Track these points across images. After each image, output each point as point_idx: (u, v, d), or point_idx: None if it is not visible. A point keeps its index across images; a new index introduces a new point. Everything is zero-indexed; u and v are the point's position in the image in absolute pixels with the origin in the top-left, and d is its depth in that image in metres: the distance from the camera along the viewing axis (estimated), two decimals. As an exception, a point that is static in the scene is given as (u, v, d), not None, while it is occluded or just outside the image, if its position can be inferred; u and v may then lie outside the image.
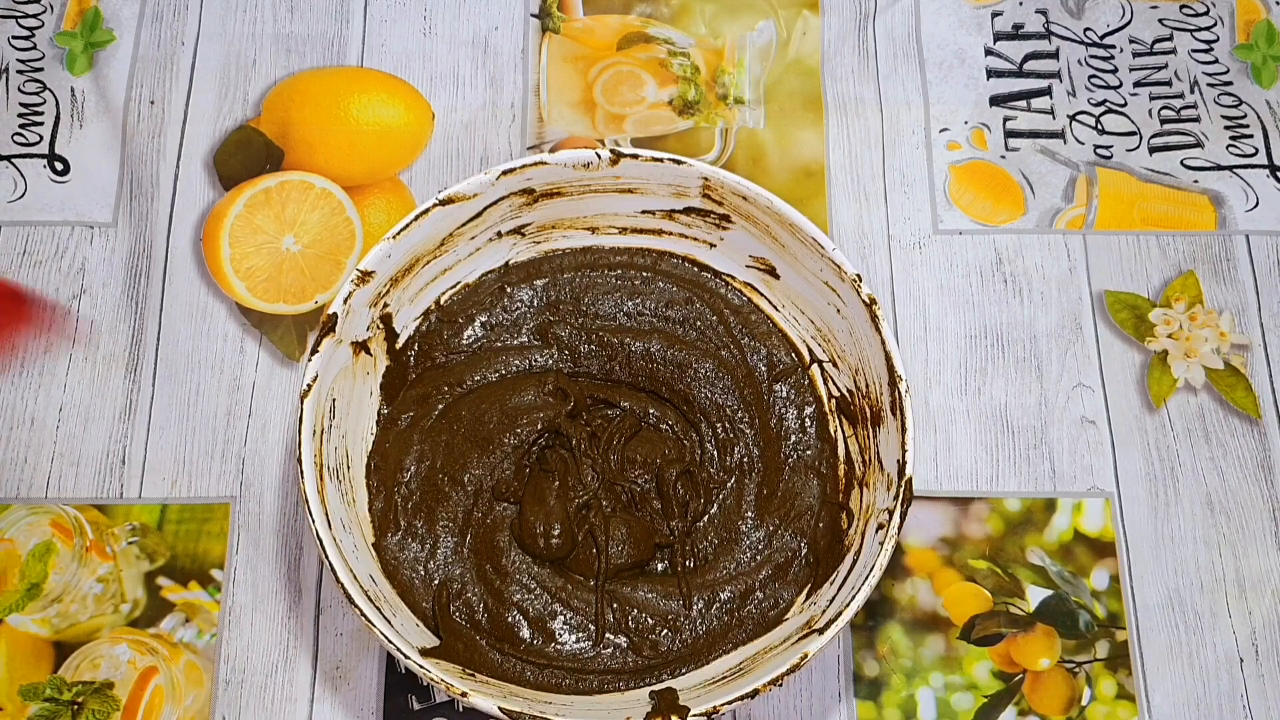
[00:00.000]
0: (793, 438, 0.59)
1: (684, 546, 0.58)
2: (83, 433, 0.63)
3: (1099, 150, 0.71)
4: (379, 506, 0.57)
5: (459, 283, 0.61)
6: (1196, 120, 0.71)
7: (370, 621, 0.50)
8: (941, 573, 0.62)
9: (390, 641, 0.49)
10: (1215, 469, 0.64)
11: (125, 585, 0.61)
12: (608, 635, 0.56)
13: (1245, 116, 0.71)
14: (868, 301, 0.55)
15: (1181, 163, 0.70)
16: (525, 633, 0.55)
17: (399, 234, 0.56)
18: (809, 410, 0.60)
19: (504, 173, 0.57)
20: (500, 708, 0.48)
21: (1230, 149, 0.71)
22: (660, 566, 0.58)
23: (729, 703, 0.49)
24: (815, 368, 0.60)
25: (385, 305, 0.58)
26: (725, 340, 0.61)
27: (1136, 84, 0.72)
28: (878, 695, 0.60)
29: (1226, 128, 0.71)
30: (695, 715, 0.49)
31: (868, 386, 0.57)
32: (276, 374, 0.65)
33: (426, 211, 0.56)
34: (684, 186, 0.58)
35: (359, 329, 0.57)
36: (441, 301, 0.61)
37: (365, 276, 0.55)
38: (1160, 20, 0.74)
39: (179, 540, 0.62)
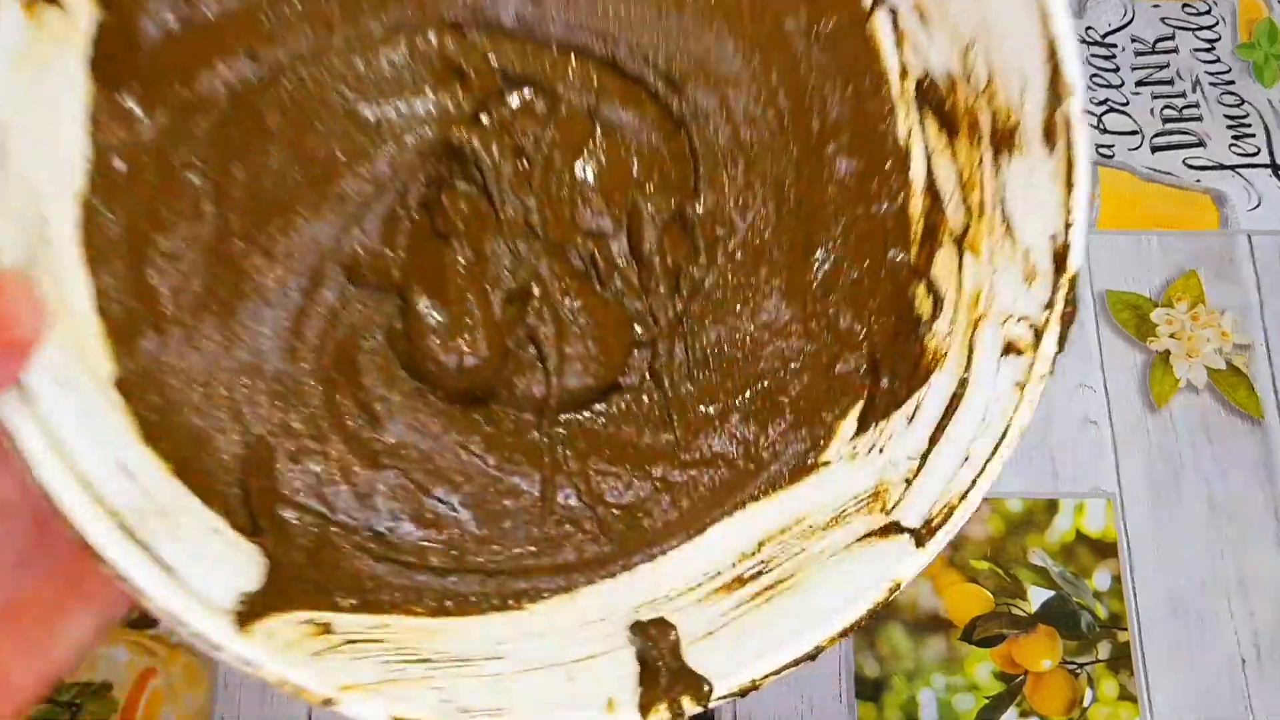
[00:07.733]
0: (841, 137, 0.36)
1: (672, 344, 0.36)
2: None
3: (1101, 149, 0.71)
4: (119, 303, 0.30)
5: None
6: (1199, 119, 0.71)
7: (117, 569, 0.28)
8: (943, 574, 0.62)
9: (160, 603, 0.29)
10: (1218, 469, 0.64)
11: (123, 586, 0.60)
12: (559, 506, 0.35)
13: (1247, 115, 0.71)
14: None
15: (1183, 162, 0.70)
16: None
17: None
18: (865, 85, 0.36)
19: None
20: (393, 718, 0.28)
21: (1232, 148, 0.70)
22: (632, 379, 0.36)
23: (776, 672, 0.30)
24: (882, 14, 0.36)
25: None
26: None
27: (1138, 83, 0.72)
28: (879, 696, 0.60)
29: (1229, 127, 0.71)
30: (720, 697, 0.30)
31: (990, 79, 0.33)
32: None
33: None
34: None
35: None
36: None
37: None
38: (1162, 19, 0.74)
39: (177, 541, 0.61)
